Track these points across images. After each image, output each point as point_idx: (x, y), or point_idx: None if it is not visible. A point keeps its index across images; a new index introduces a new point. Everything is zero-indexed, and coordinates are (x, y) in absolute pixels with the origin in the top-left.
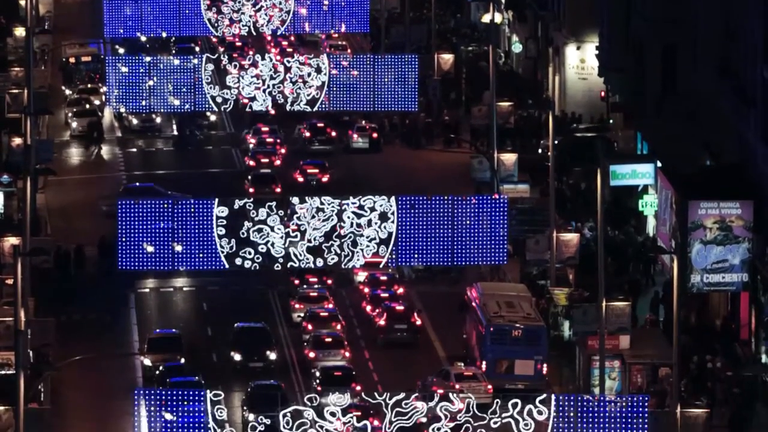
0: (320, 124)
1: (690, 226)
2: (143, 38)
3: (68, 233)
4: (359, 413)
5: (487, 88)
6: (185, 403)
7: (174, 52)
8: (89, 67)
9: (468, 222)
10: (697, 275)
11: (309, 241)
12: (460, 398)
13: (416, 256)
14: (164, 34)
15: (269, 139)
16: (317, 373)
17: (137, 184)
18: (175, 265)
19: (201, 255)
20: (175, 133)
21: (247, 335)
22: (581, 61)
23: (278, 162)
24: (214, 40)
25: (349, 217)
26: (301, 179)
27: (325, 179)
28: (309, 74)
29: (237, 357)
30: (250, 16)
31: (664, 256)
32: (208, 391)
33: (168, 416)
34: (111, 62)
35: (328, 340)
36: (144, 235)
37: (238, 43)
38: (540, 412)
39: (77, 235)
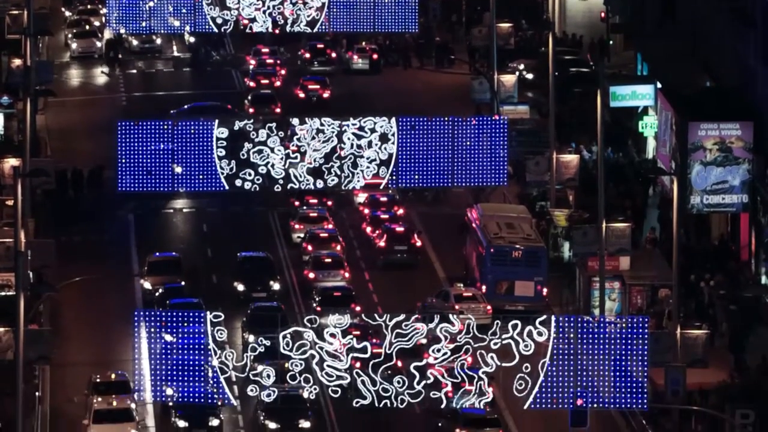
0: (320, 46)
1: (690, 147)
2: None
3: (68, 154)
4: (358, 333)
5: (487, 9)
6: (185, 324)
7: None
8: None
9: (468, 143)
10: (697, 196)
11: (309, 162)
12: (460, 319)
13: (416, 177)
14: None
15: (269, 60)
16: (317, 294)
17: (204, 103)
18: (174, 187)
19: (201, 176)
20: (190, 54)
21: (249, 265)
22: None
23: (278, 83)
24: None
25: (349, 139)
26: (302, 95)
27: (326, 95)
28: None
29: (240, 287)
30: None
31: (664, 178)
32: (208, 312)
33: (168, 338)
34: None
35: (328, 260)
36: (143, 157)
37: None
38: (540, 334)
39: (77, 156)
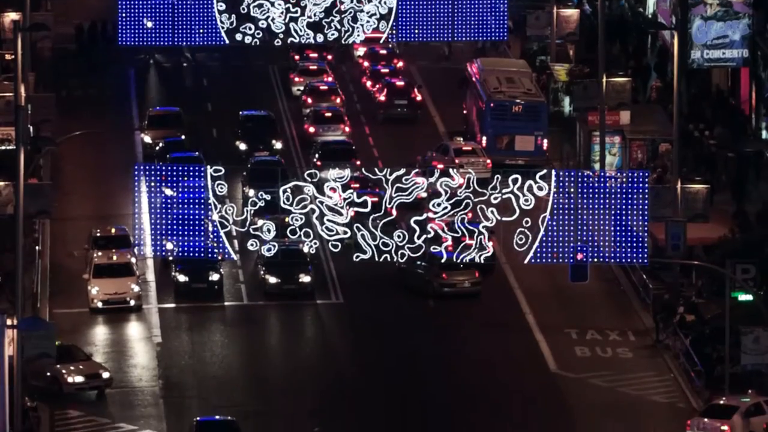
0: None
1: (690, 1)
2: None
3: (69, 8)
4: (357, 185)
5: None
6: (185, 178)
7: None
8: None
9: None
10: (698, 51)
11: (309, 16)
12: (460, 173)
13: (416, 31)
14: None
15: None
16: (317, 148)
17: None
18: (175, 41)
19: (201, 31)
20: None
21: (251, 123)
22: None
23: None
24: None
25: None
26: None
27: None
28: None
29: (242, 146)
30: None
31: (664, 32)
32: (208, 166)
33: (168, 192)
34: None
35: (328, 114)
36: (144, 10)
37: None
38: (540, 188)
39: (78, 11)
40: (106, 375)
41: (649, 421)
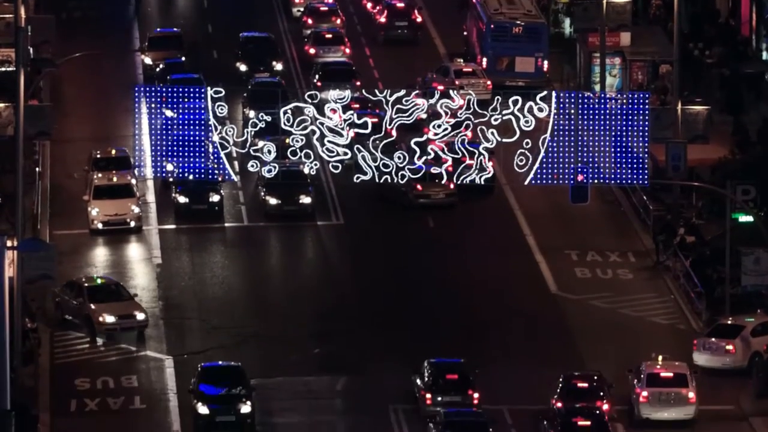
0: None
1: None
2: None
3: None
4: (358, 106)
5: None
6: (186, 99)
7: None
8: None
9: None
10: None
11: None
12: (460, 95)
13: None
14: None
15: None
16: (317, 69)
17: None
18: None
19: None
20: None
21: (252, 45)
22: None
23: None
24: None
25: None
26: None
27: None
28: None
29: (242, 68)
30: None
31: None
32: (208, 87)
33: (168, 113)
34: None
35: (329, 36)
36: None
37: None
38: (540, 109)
39: None
40: (141, 316)
41: (649, 341)
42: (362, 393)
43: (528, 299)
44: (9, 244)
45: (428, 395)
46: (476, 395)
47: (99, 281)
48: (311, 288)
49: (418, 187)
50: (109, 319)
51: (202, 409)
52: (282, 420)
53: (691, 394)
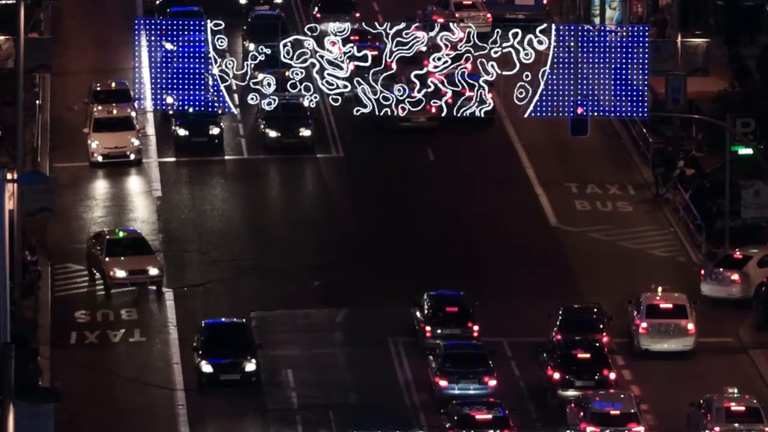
0: None
1: None
2: None
3: None
4: (358, 39)
5: None
6: (186, 32)
7: None
8: None
9: None
10: None
11: None
12: (460, 27)
13: None
14: None
15: None
16: (317, 1)
17: None
18: None
19: None
20: None
21: None
22: None
23: None
24: None
25: None
26: None
27: None
28: None
29: (242, 0)
30: None
31: None
32: (208, 20)
33: (168, 46)
34: None
35: None
36: None
37: None
38: (540, 42)
39: None
40: (154, 272)
41: (648, 274)
42: (362, 325)
43: (528, 232)
44: (9, 176)
45: (428, 328)
46: (476, 327)
47: (121, 234)
48: (311, 220)
49: (400, 110)
50: (120, 273)
51: (206, 368)
52: (282, 352)
53: (691, 326)
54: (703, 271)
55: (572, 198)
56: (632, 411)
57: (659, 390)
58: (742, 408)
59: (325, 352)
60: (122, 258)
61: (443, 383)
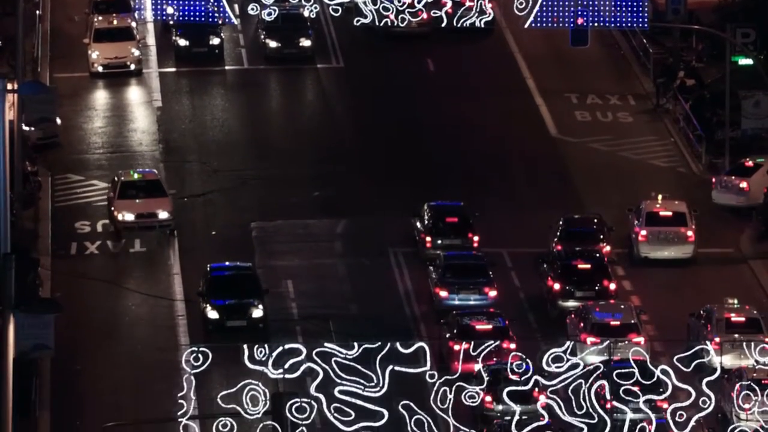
0: None
1: None
2: None
3: None
4: None
5: None
6: None
7: None
8: None
9: None
10: None
11: None
12: None
13: None
14: None
15: None
16: None
17: None
18: None
19: None
20: None
21: None
22: None
23: None
24: None
25: None
26: None
27: None
28: None
29: None
30: None
31: None
32: None
33: None
34: None
35: None
36: None
37: None
38: None
39: None
40: (164, 215)
41: (649, 184)
42: (362, 236)
43: (528, 142)
44: (9, 87)
45: (428, 238)
46: (476, 238)
47: (135, 176)
48: (311, 131)
49: (400, 21)
50: (128, 216)
51: (212, 314)
52: (282, 263)
53: (690, 233)
54: (714, 180)
55: (572, 108)
56: (632, 321)
57: (659, 300)
58: (742, 319)
59: (325, 263)
60: (133, 201)
61: (443, 294)
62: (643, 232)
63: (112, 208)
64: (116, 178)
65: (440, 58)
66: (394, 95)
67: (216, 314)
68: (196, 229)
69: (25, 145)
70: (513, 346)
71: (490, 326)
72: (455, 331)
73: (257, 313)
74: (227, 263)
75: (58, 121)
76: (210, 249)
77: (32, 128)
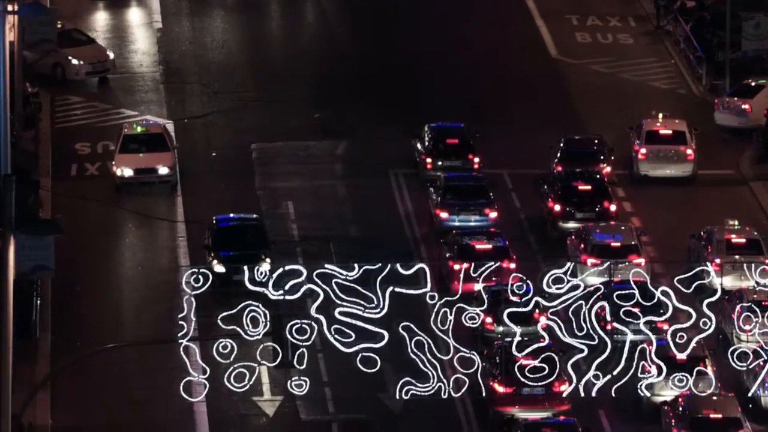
0: None
1: None
2: None
3: None
4: None
5: None
6: None
7: None
8: None
9: None
10: None
11: None
12: None
13: None
14: None
15: None
16: None
17: None
18: None
19: None
20: None
21: None
22: None
23: None
24: None
25: None
26: None
27: None
28: None
29: None
30: None
31: None
32: None
33: None
34: None
35: None
36: None
37: None
38: None
39: None
40: (163, 170)
41: (649, 105)
42: (362, 157)
43: (528, 64)
44: (9, 8)
45: (428, 159)
46: (476, 159)
47: (138, 129)
48: (311, 52)
49: None
50: (127, 172)
51: (218, 268)
52: (282, 184)
53: (690, 151)
54: (717, 101)
55: (573, 30)
56: (633, 243)
57: (660, 222)
58: (743, 240)
59: (326, 184)
60: (134, 155)
61: (444, 215)
62: (643, 150)
63: (113, 162)
64: (119, 131)
65: None
66: (395, 17)
67: (222, 268)
68: (197, 151)
69: (25, 66)
70: (513, 266)
71: (489, 246)
72: (455, 250)
73: (264, 267)
74: (232, 215)
75: (111, 55)
76: (210, 171)
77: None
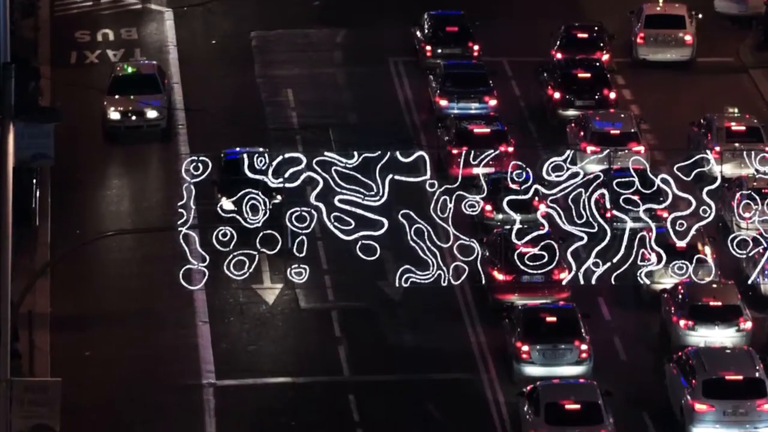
0: None
1: None
2: None
3: None
4: None
5: None
6: None
7: None
8: None
9: None
10: None
11: None
12: None
13: None
14: None
15: None
16: None
17: None
18: None
19: None
20: None
21: None
22: None
23: None
24: None
25: None
26: None
27: None
28: None
29: None
30: None
31: None
32: None
33: None
34: None
35: None
36: None
37: None
38: None
39: None
40: (152, 114)
41: None
42: (362, 45)
43: None
44: None
45: (428, 47)
46: (476, 47)
47: (129, 70)
48: None
49: None
50: (114, 115)
51: (227, 205)
52: (282, 72)
53: (688, 37)
54: None
55: None
56: (632, 130)
57: (660, 109)
58: (743, 128)
59: (325, 72)
60: (123, 97)
61: (443, 102)
62: (642, 34)
63: (105, 103)
64: (111, 71)
65: None
66: None
67: (231, 206)
68: (196, 40)
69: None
70: (511, 150)
71: (488, 130)
72: (453, 134)
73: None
74: (238, 149)
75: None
76: (209, 58)
77: None
